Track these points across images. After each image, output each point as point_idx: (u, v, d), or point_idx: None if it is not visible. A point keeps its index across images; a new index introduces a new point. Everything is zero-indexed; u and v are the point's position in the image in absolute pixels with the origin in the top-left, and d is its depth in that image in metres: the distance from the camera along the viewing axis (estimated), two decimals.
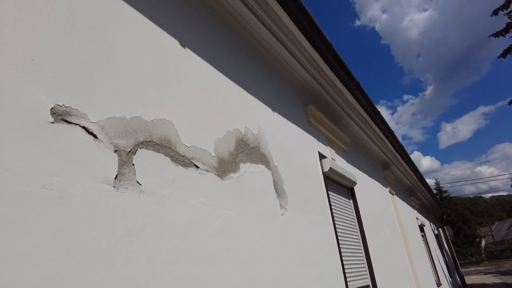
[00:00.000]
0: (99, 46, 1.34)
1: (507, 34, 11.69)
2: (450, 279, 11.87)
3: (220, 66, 2.17)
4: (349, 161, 4.33)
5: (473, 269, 33.22)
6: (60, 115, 1.12)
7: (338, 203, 3.41)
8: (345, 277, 2.82)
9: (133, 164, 1.32)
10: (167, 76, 1.68)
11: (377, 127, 5.13)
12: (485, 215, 60.34)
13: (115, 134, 1.28)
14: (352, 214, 3.78)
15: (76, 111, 1.17)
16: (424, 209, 11.94)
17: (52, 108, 1.10)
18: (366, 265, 3.62)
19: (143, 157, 1.37)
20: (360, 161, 4.96)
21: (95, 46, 1.33)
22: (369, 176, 5.14)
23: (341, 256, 2.91)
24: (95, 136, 1.21)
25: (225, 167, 1.85)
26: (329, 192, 3.21)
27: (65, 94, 1.16)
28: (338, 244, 2.96)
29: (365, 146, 5.54)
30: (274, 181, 2.29)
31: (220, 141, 1.90)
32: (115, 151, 1.26)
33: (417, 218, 8.66)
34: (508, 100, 13.14)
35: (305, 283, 2.22)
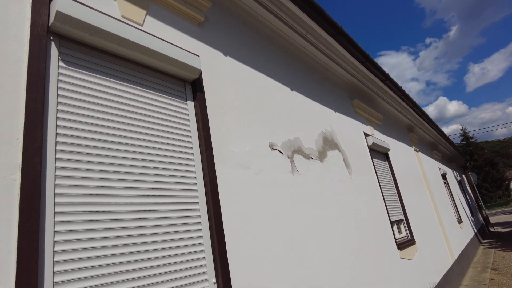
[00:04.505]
0: (269, 111, 2.85)
1: None
2: (472, 218, 13.38)
3: (306, 93, 3.62)
4: (383, 132, 5.77)
5: (499, 210, 34.45)
6: (272, 146, 2.67)
7: (379, 166, 4.92)
8: (388, 213, 4.41)
9: (293, 162, 2.87)
10: (292, 112, 3.17)
11: (403, 101, 6.47)
12: None
13: (286, 150, 2.83)
14: (388, 172, 5.28)
15: (274, 143, 2.71)
16: (446, 159, 13.23)
17: (269, 143, 2.65)
18: (400, 206, 5.18)
19: (295, 158, 2.92)
20: (391, 130, 6.37)
21: (268, 111, 2.83)
22: (398, 140, 6.57)
23: (384, 200, 4.47)
24: (281, 153, 2.75)
25: (321, 156, 3.39)
26: (373, 159, 4.71)
27: (271, 137, 2.69)
28: (382, 192, 4.51)
29: (394, 117, 6.90)
30: (343, 158, 3.82)
31: (316, 141, 3.42)
32: (288, 157, 2.81)
33: (439, 168, 10.05)
34: None
35: (367, 214, 3.81)
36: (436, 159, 10.43)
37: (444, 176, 10.61)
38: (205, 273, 1.77)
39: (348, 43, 4.11)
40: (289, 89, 3.31)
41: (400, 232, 4.99)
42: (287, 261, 2.34)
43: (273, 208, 2.42)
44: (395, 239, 4.33)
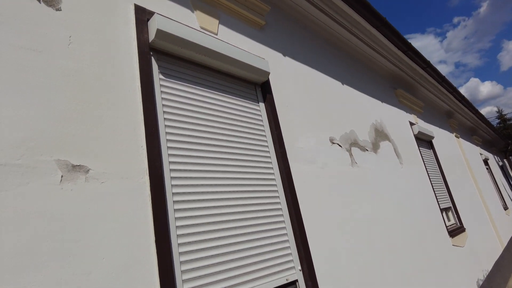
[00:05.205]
0: (325, 106, 2.94)
1: None
2: None
3: (355, 85, 3.67)
4: (425, 120, 5.71)
5: None
6: (332, 140, 2.76)
7: (425, 154, 4.89)
8: (437, 200, 4.40)
9: (352, 155, 2.95)
10: (344, 105, 3.24)
11: (443, 87, 6.33)
12: None
13: (344, 143, 2.91)
14: (433, 159, 5.24)
15: (334, 137, 2.81)
16: (487, 144, 12.77)
17: (329, 138, 2.74)
18: (447, 193, 5.14)
19: (353, 151, 3.00)
20: (431, 117, 6.28)
21: (324, 106, 2.92)
22: (439, 128, 6.46)
23: (433, 188, 4.46)
24: (340, 146, 2.85)
25: (375, 147, 3.44)
26: (419, 148, 4.69)
27: (330, 131, 2.79)
28: (430, 180, 4.50)
29: (433, 104, 6.78)
30: (394, 148, 3.85)
31: (369, 132, 3.48)
32: (346, 150, 2.90)
33: (480, 154, 9.74)
34: None
35: (419, 202, 3.83)
36: (477, 145, 10.10)
37: (486, 162, 10.28)
38: (291, 261, 1.92)
39: (392, 34, 4.10)
40: (340, 83, 3.38)
41: (449, 219, 4.96)
42: (355, 247, 2.44)
43: (339, 199, 2.53)
44: (446, 227, 4.33)
